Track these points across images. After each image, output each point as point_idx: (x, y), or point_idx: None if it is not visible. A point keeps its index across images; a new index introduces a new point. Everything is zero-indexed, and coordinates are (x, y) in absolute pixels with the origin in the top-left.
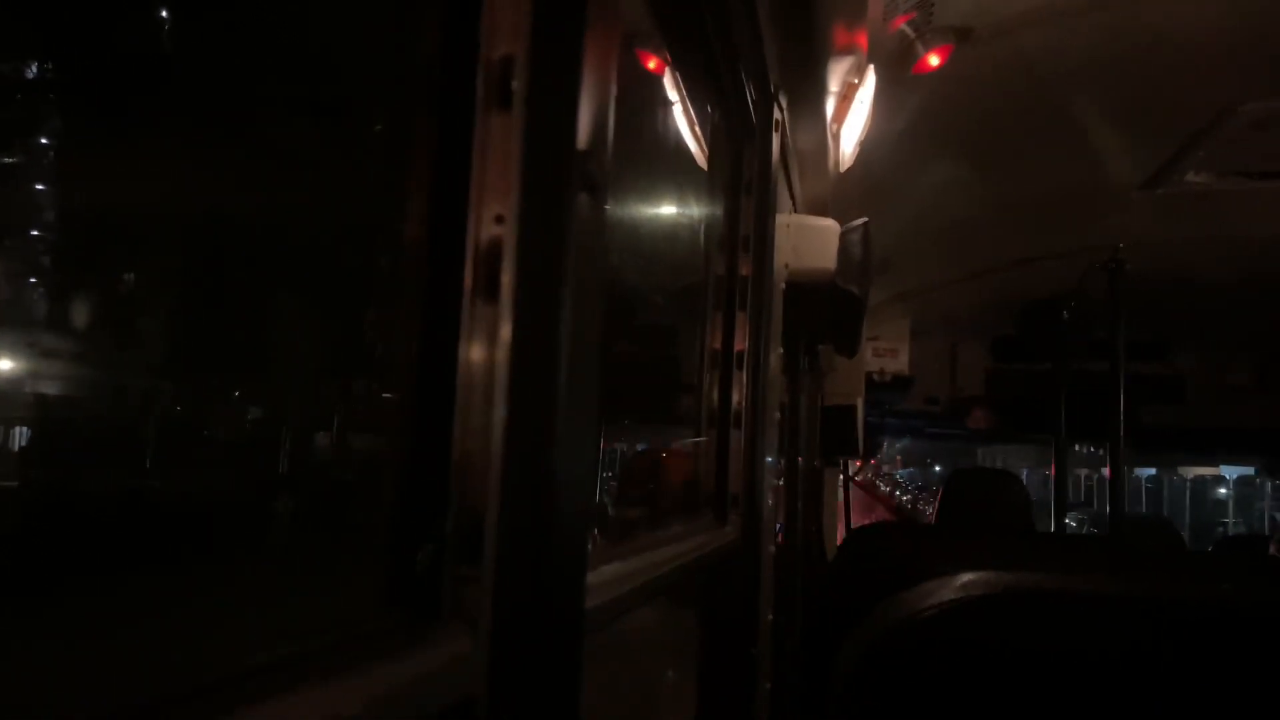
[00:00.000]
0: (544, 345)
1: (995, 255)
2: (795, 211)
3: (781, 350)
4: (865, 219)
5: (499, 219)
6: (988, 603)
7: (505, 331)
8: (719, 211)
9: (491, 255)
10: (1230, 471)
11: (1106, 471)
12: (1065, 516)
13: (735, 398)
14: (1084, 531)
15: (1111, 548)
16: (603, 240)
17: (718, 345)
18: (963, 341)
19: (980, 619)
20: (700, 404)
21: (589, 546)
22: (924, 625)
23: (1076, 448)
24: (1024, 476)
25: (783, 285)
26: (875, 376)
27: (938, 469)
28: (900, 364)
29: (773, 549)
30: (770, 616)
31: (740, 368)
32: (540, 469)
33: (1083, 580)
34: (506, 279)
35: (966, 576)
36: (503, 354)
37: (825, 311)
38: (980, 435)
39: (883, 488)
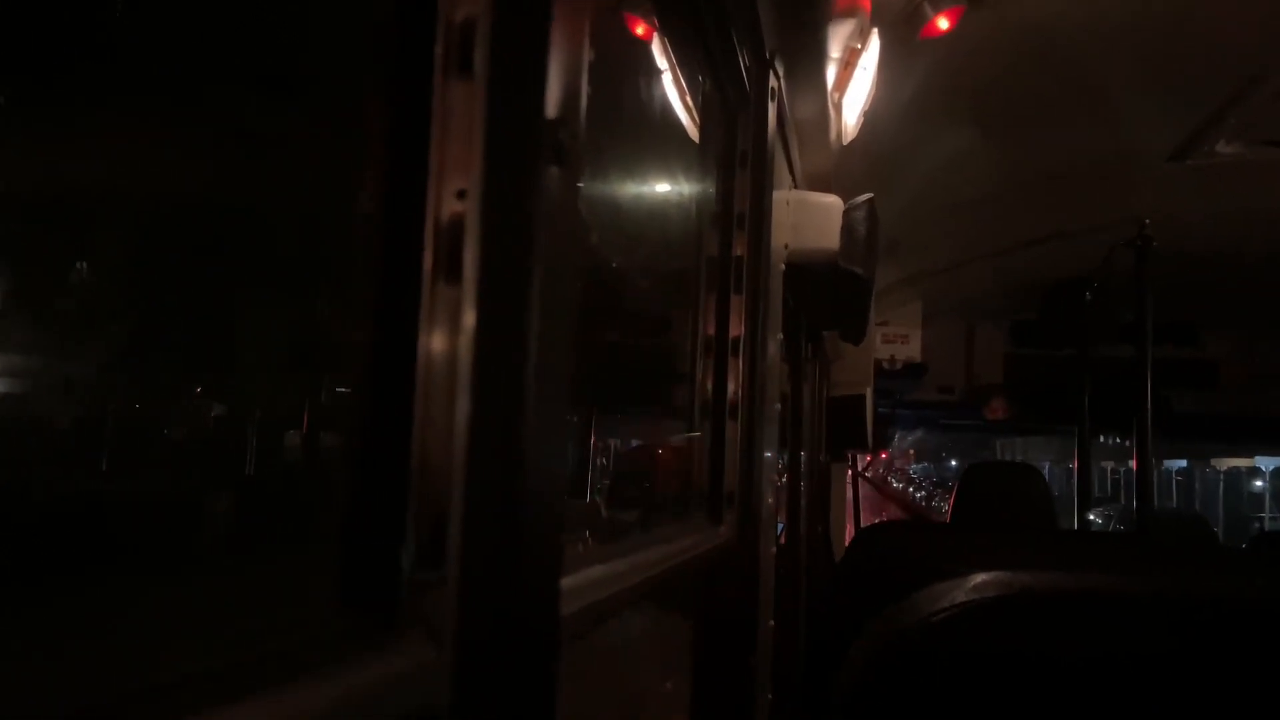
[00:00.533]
0: (511, 330)
1: (1013, 233)
2: (795, 187)
3: (781, 337)
4: (870, 195)
5: (461, 194)
6: (1003, 605)
7: (469, 316)
8: (711, 188)
9: (453, 233)
10: (1266, 463)
11: (1134, 464)
12: (1089, 512)
13: (731, 388)
14: (1110, 529)
15: (1139, 545)
16: (576, 216)
17: (711, 331)
18: (979, 326)
19: (995, 623)
20: (693, 395)
21: (564, 547)
22: (933, 630)
23: (1101, 439)
24: (1045, 470)
25: (782, 266)
26: (885, 364)
27: (953, 463)
28: (912, 351)
29: (773, 550)
30: (771, 623)
31: (736, 355)
32: (508, 465)
33: (1107, 580)
34: (470, 259)
35: (980, 577)
36: (466, 340)
37: (828, 295)
38: (998, 426)
39: (894, 484)
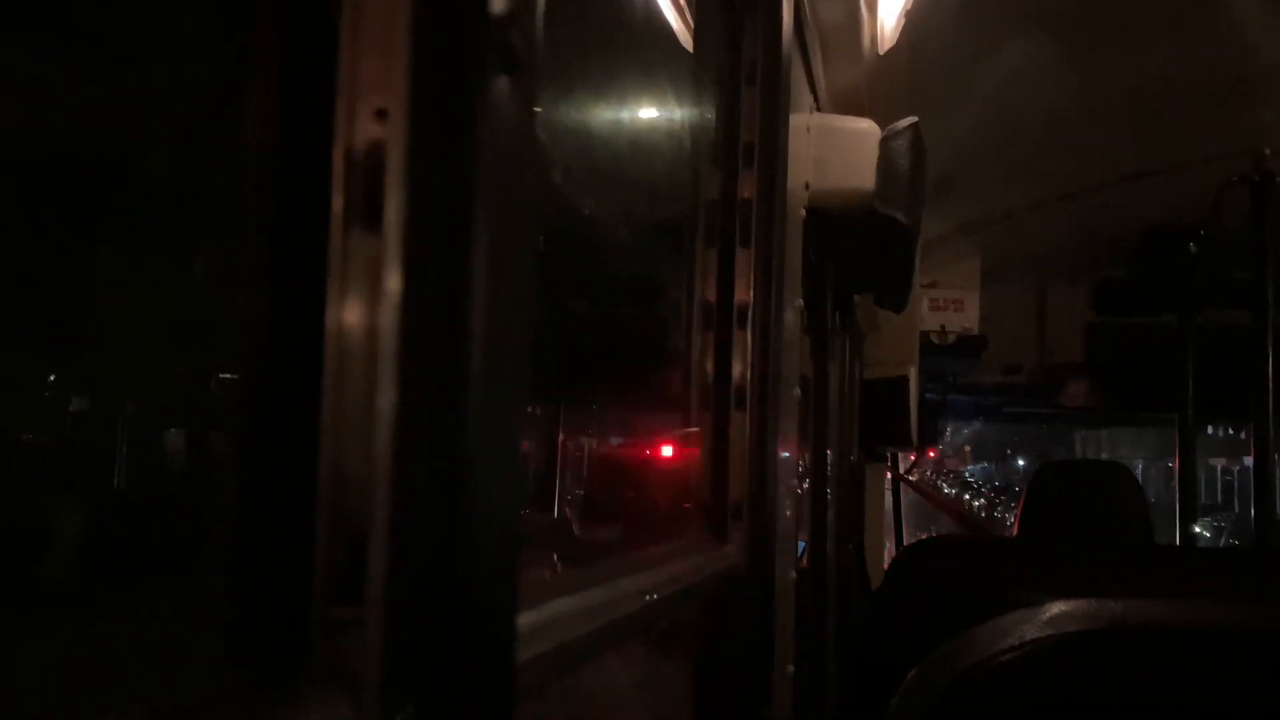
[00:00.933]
0: (450, 293)
1: (1095, 169)
2: (817, 110)
3: (802, 303)
4: (915, 119)
5: (381, 114)
6: (1087, 641)
7: (393, 276)
8: (710, 111)
9: (371, 166)
10: None
11: (1251, 460)
12: (1195, 523)
13: (737, 369)
14: (1221, 543)
15: (1258, 565)
16: (532, 141)
17: (711, 297)
18: (1053, 288)
19: (1077, 662)
20: (689, 380)
21: (521, 575)
22: (1000, 672)
23: (1209, 429)
24: (1138, 471)
25: (802, 212)
26: (934, 338)
27: (1021, 463)
28: (967, 320)
29: (793, 575)
30: (791, 667)
31: (744, 327)
32: (446, 471)
33: (1218, 610)
34: (393, 200)
35: (1057, 607)
36: (390, 307)
37: (861, 248)
38: (1078, 416)
39: (947, 490)
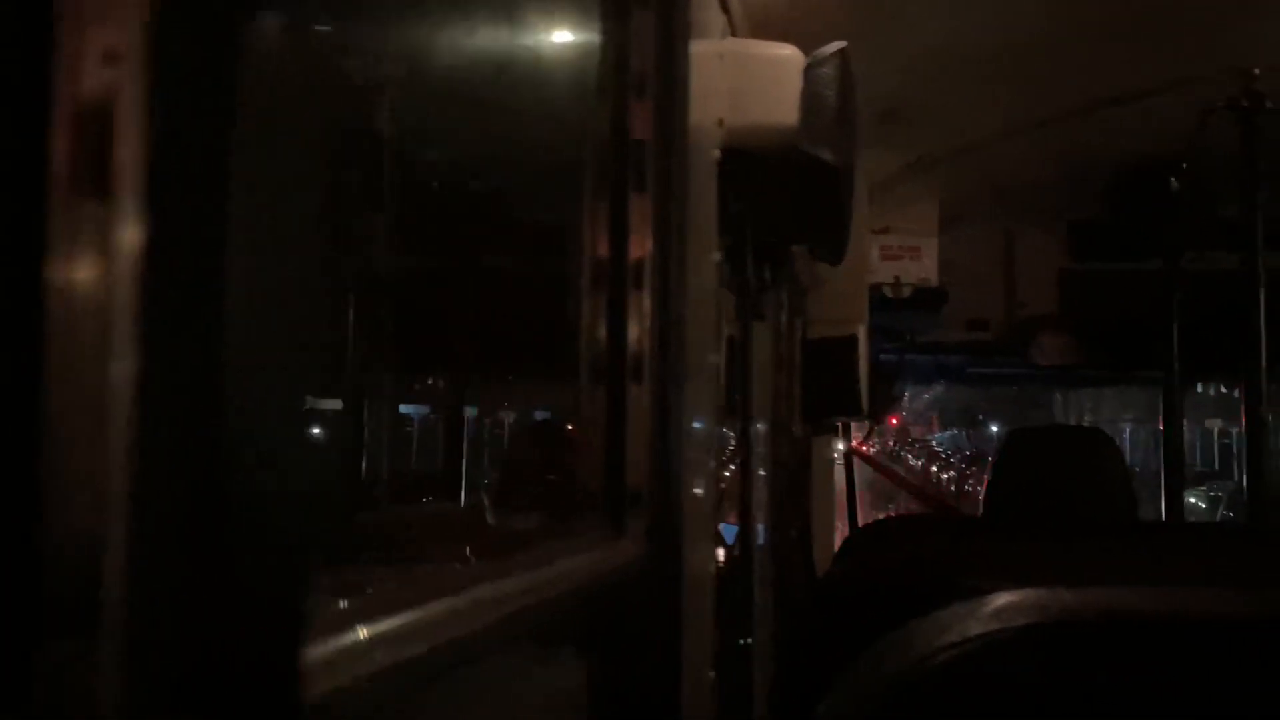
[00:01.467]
0: (200, 264)
1: (1066, 96)
2: (732, 34)
3: (720, 256)
4: (842, 44)
5: (110, 57)
6: (1038, 637)
7: (128, 260)
8: (595, 35)
9: (99, 118)
10: None
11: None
12: (1183, 495)
13: (633, 335)
14: (1218, 516)
15: (1248, 543)
16: (319, 86)
17: (603, 253)
18: (1022, 231)
19: (1024, 664)
20: (578, 349)
21: (310, 586)
22: (934, 676)
23: (1199, 388)
24: (1125, 436)
25: (716, 152)
26: (887, 291)
27: (994, 429)
28: (925, 270)
29: (712, 568)
30: (711, 674)
31: (640, 287)
32: (202, 462)
33: (1194, 597)
34: (127, 159)
35: (1004, 598)
36: (125, 286)
37: (786, 193)
38: (1054, 375)
39: (912, 461)
